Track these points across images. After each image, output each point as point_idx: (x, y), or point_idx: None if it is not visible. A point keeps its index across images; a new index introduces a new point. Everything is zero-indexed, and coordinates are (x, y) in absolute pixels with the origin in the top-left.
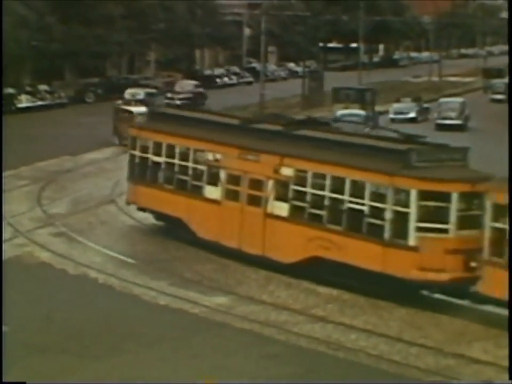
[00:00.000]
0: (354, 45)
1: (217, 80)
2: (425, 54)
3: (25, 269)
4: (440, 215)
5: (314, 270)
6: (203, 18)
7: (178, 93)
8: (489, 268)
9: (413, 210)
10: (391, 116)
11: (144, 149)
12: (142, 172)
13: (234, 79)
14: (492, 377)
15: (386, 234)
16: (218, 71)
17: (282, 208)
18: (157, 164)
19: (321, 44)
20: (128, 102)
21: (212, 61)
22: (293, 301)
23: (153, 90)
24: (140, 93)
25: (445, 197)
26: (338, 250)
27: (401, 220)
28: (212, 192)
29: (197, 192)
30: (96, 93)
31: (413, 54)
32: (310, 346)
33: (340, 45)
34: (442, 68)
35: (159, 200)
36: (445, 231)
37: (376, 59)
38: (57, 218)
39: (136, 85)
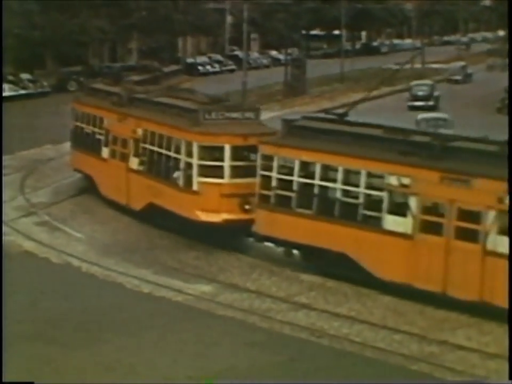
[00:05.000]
0: (336, 32)
1: (200, 68)
2: (407, 41)
3: (8, 258)
4: None
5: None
6: (185, 6)
7: None
8: None
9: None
10: None
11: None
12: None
13: (217, 67)
14: (475, 364)
15: None
16: (200, 59)
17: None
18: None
19: (303, 32)
20: None
21: (194, 49)
22: (276, 289)
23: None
24: None
25: None
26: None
27: None
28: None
29: None
30: (78, 81)
31: (396, 41)
32: (294, 333)
33: (322, 33)
34: (425, 54)
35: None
36: None
37: (357, 46)
38: (40, 207)
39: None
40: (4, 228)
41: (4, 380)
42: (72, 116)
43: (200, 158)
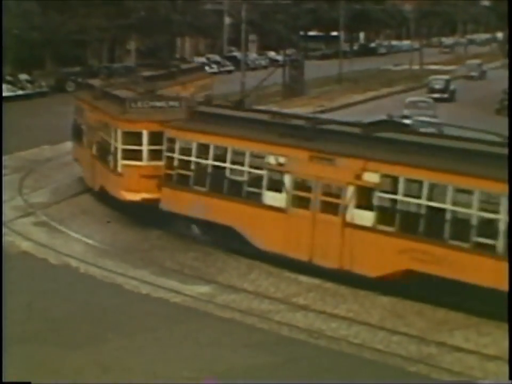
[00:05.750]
0: (335, 33)
1: None
2: (406, 42)
3: (6, 259)
4: None
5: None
6: (183, 7)
7: None
8: None
9: None
10: None
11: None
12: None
13: (215, 68)
14: (473, 366)
15: None
16: (198, 59)
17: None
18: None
19: (301, 33)
20: None
21: (193, 49)
22: (274, 290)
23: None
24: None
25: None
26: None
27: None
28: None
29: None
30: (76, 82)
31: (394, 42)
32: (292, 335)
33: (320, 34)
34: (423, 56)
35: None
36: None
37: (355, 47)
38: (38, 208)
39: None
40: (2, 229)
41: (3, 380)
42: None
43: (124, 143)
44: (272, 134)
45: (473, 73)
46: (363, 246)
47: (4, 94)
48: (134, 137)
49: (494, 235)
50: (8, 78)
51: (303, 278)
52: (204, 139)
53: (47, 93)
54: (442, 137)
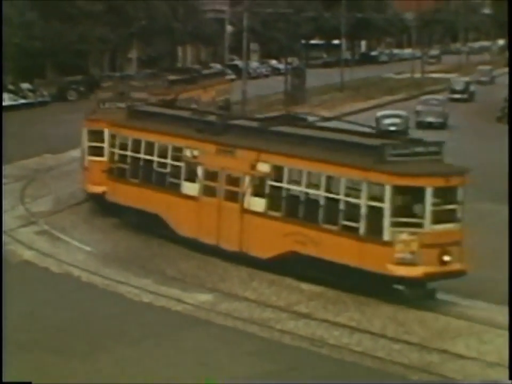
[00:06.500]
0: (336, 41)
1: None
2: (407, 51)
3: (8, 268)
4: None
5: None
6: (185, 16)
7: None
8: None
9: None
10: None
11: None
12: None
13: None
14: (476, 373)
15: None
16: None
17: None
18: None
19: (303, 41)
20: None
21: (194, 58)
22: (276, 298)
23: None
24: None
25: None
26: None
27: None
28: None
29: None
30: (78, 90)
31: (395, 51)
32: (294, 343)
33: (322, 42)
34: (425, 64)
35: None
36: None
37: (356, 56)
38: (40, 217)
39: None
40: (4, 237)
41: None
42: None
43: (89, 140)
44: (189, 130)
45: (483, 79)
46: (257, 230)
47: (6, 103)
48: (98, 135)
49: (357, 218)
50: (10, 87)
51: (305, 286)
52: (136, 135)
53: (49, 101)
54: (330, 130)
